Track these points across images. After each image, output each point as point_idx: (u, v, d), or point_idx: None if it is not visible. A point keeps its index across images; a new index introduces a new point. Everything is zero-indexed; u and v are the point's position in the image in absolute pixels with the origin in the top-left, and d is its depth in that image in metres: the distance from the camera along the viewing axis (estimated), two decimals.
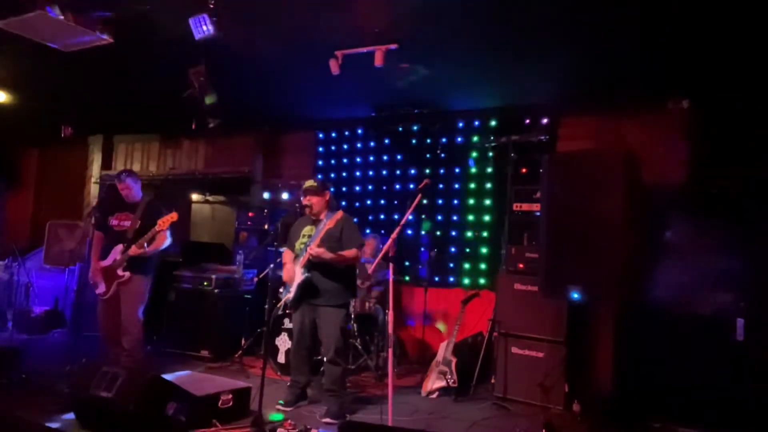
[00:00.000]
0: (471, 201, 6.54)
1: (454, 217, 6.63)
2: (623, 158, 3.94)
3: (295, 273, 4.45)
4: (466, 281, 6.45)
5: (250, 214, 7.29)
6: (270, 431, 3.78)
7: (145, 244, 4.73)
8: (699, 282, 4.56)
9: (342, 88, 5.79)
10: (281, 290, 4.95)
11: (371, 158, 7.24)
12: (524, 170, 5.97)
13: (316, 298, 4.40)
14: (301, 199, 4.56)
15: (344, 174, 7.37)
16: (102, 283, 4.80)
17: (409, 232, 6.79)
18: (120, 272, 4.73)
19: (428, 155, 6.82)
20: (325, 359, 4.44)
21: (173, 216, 4.75)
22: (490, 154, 6.40)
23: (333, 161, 7.52)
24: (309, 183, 4.57)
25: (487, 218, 6.41)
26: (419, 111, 6.62)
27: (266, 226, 6.98)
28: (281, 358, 5.43)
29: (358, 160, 7.33)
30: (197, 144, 8.43)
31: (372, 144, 7.26)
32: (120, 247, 4.78)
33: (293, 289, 4.43)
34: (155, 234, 4.75)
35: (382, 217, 7.03)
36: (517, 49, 4.73)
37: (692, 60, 4.66)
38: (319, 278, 4.38)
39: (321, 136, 7.61)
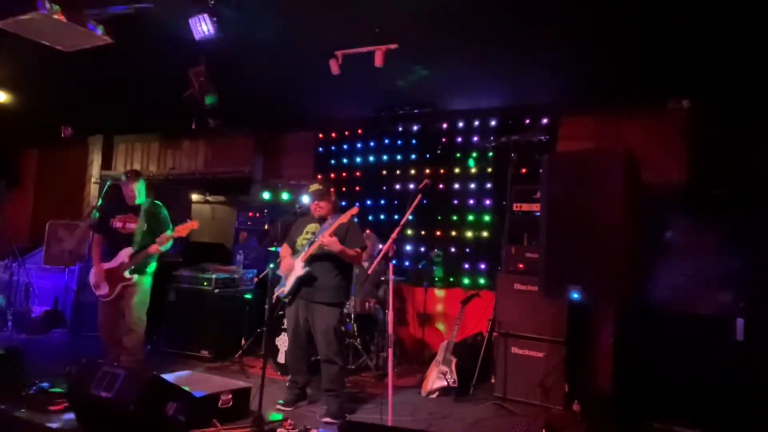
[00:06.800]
0: (471, 201, 6.54)
1: (454, 217, 6.63)
2: (623, 158, 3.94)
3: (293, 266, 4.45)
4: (466, 281, 6.46)
5: (250, 214, 7.29)
6: (270, 431, 3.79)
7: (161, 246, 4.78)
8: (699, 282, 4.56)
9: (342, 88, 5.78)
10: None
11: (371, 158, 7.24)
12: (524, 170, 5.98)
13: (312, 294, 4.41)
14: (310, 203, 4.58)
15: (344, 174, 7.37)
16: (105, 285, 4.80)
17: (410, 232, 6.80)
18: (127, 275, 4.74)
19: (428, 155, 6.83)
20: (321, 359, 4.44)
21: (194, 224, 4.80)
22: (490, 154, 6.40)
23: (333, 161, 7.52)
24: (315, 187, 4.57)
25: (487, 218, 6.42)
26: (419, 111, 6.62)
27: (266, 226, 6.98)
28: (281, 358, 5.43)
29: (358, 160, 7.33)
30: (197, 144, 8.43)
31: (372, 144, 7.26)
32: (129, 249, 4.78)
33: (289, 282, 4.44)
34: (170, 239, 4.78)
35: (382, 217, 7.03)
36: (517, 49, 4.73)
37: (692, 60, 4.66)
38: (318, 274, 4.38)
39: (321, 136, 7.61)
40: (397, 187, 7.00)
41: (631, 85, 5.36)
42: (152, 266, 4.96)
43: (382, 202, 7.10)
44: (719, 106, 5.19)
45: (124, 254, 4.79)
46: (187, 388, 3.84)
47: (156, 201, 5.10)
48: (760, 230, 4.43)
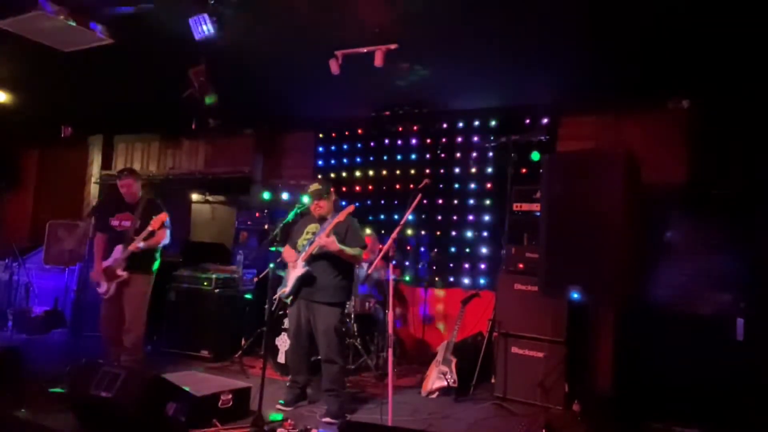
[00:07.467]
0: (471, 201, 6.54)
1: (454, 217, 6.63)
2: (623, 158, 3.93)
3: (296, 256, 4.46)
4: (466, 281, 6.46)
5: (250, 213, 7.30)
6: (270, 431, 3.79)
7: (140, 244, 4.76)
8: (699, 282, 4.56)
9: (342, 88, 5.78)
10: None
11: (371, 158, 7.24)
12: (524, 170, 5.98)
13: (313, 294, 4.41)
14: (310, 204, 4.59)
15: (344, 174, 7.37)
16: (104, 283, 4.82)
17: (410, 232, 6.80)
18: (119, 272, 4.75)
19: (428, 155, 6.83)
20: (321, 359, 4.44)
21: (163, 216, 4.79)
22: (490, 154, 6.40)
23: (333, 161, 7.51)
24: (315, 187, 4.58)
25: (487, 218, 6.42)
26: (419, 111, 6.62)
27: (266, 226, 6.98)
28: (281, 358, 5.43)
29: (358, 160, 7.33)
30: (197, 144, 8.42)
31: (372, 144, 7.25)
32: (120, 247, 4.80)
33: (291, 282, 4.45)
34: (148, 234, 4.79)
35: (382, 217, 7.03)
36: (518, 49, 4.73)
37: (692, 60, 4.66)
38: (318, 274, 4.39)
39: (321, 136, 7.61)
40: (397, 187, 7.00)
41: (631, 85, 5.36)
42: (154, 266, 4.97)
43: (382, 202, 7.10)
44: (719, 106, 5.19)
45: (117, 251, 4.81)
46: (187, 388, 3.84)
47: (151, 199, 5.11)
48: (760, 230, 4.44)
